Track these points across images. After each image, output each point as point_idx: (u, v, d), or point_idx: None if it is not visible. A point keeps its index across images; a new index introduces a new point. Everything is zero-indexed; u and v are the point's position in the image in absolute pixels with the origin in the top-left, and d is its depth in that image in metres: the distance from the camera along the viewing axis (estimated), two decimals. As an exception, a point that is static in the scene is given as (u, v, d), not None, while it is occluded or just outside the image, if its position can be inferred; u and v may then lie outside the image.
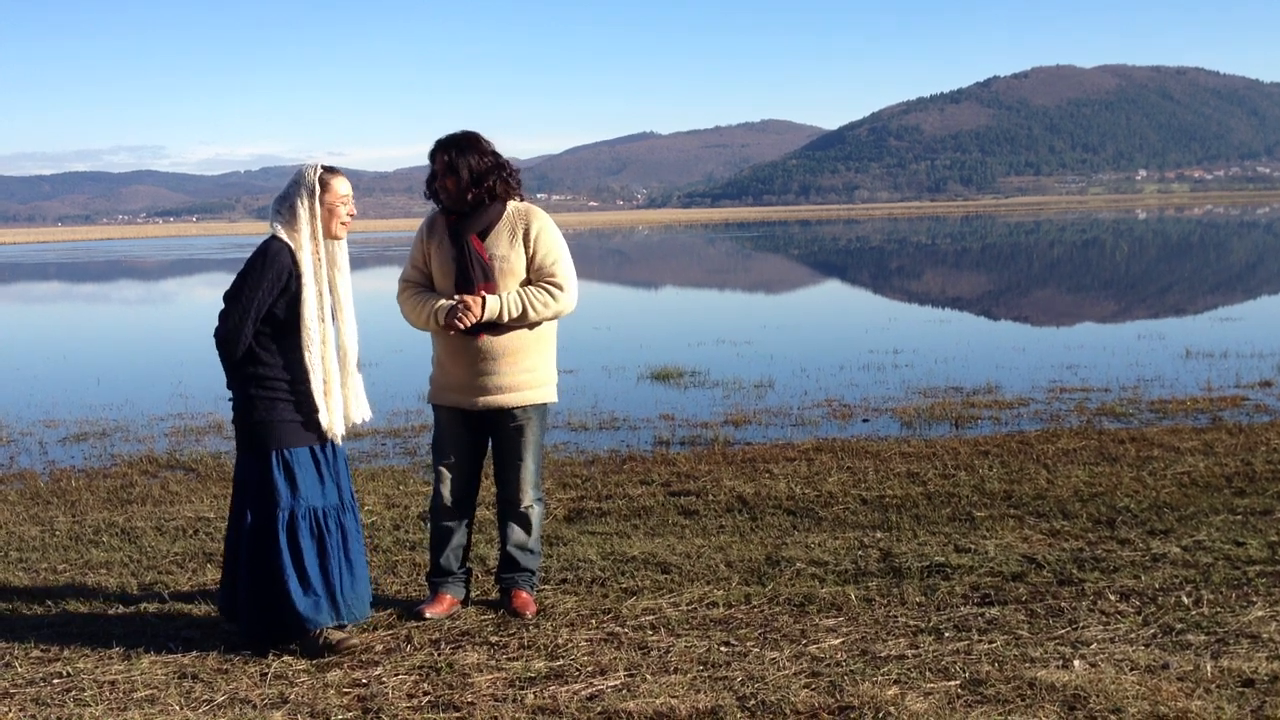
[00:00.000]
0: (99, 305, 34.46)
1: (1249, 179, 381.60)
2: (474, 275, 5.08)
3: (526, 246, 5.17)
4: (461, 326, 5.05)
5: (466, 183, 5.11)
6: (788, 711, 4.05)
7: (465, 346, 5.14)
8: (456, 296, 5.07)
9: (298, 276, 4.78)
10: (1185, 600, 5.13)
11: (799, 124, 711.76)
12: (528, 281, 5.18)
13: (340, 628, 4.90)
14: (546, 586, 5.69)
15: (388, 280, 35.54)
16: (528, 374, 5.21)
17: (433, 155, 5.17)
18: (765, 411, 11.66)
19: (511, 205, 5.23)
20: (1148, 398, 11.69)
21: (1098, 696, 4.02)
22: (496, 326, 5.11)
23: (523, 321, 5.14)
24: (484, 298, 5.06)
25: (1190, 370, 13.57)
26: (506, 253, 5.14)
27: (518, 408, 5.23)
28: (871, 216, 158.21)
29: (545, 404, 5.33)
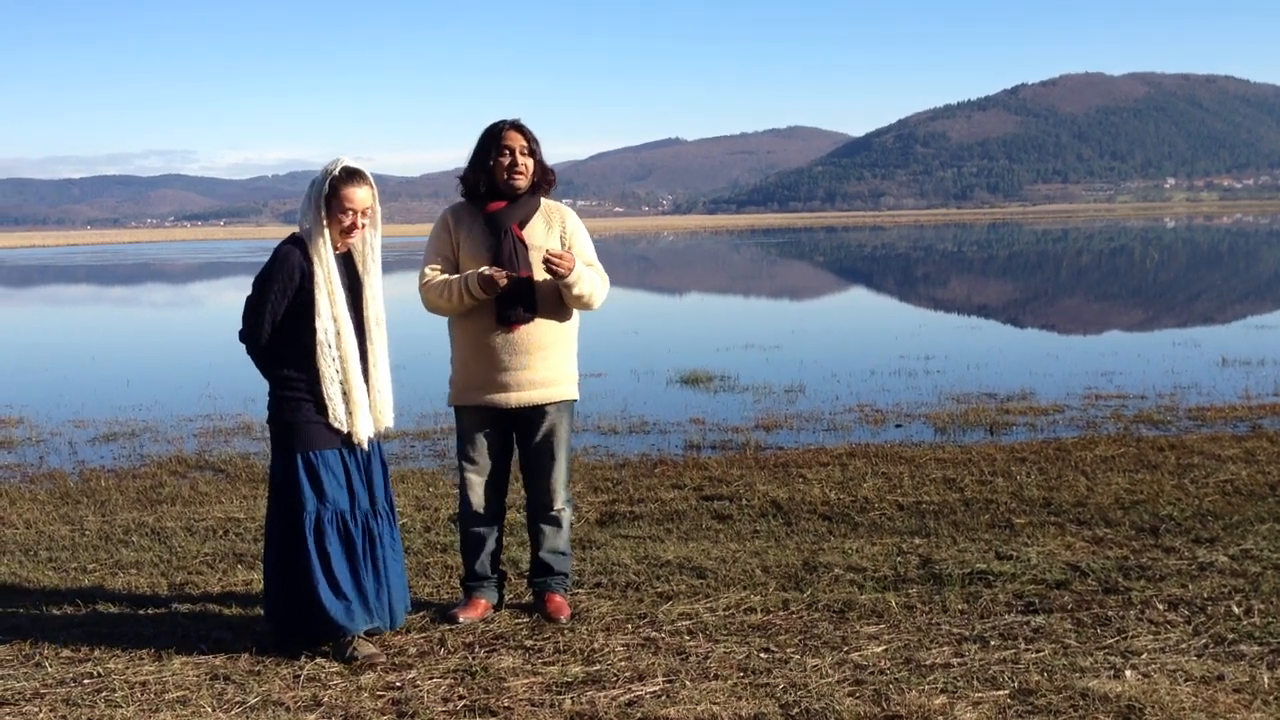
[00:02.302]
0: (128, 308, 34.60)
1: (1278, 187, 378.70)
2: (516, 263, 4.99)
3: (563, 241, 5.14)
4: (563, 270, 4.91)
5: (539, 167, 5.09)
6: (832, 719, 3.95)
7: (494, 342, 5.04)
8: (547, 251, 4.94)
9: (310, 276, 4.67)
10: (1235, 610, 5.00)
11: (825, 130, 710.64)
12: None
13: (373, 633, 4.82)
14: (580, 591, 5.61)
15: (411, 285, 35.56)
16: (556, 369, 5.14)
17: (503, 133, 5.03)
18: (796, 416, 11.55)
19: (543, 199, 5.20)
20: (1185, 405, 11.53)
21: (1153, 708, 3.91)
22: (533, 310, 5.02)
23: (585, 293, 5.05)
24: (572, 255, 4.99)
25: (1227, 378, 13.39)
26: (544, 243, 5.09)
27: (550, 404, 5.14)
28: (898, 223, 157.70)
29: (574, 401, 5.27)
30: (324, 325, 4.69)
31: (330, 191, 4.70)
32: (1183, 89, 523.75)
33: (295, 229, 4.87)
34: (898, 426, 10.93)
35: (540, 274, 5.02)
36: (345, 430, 4.75)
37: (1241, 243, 62.52)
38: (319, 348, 4.69)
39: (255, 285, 4.74)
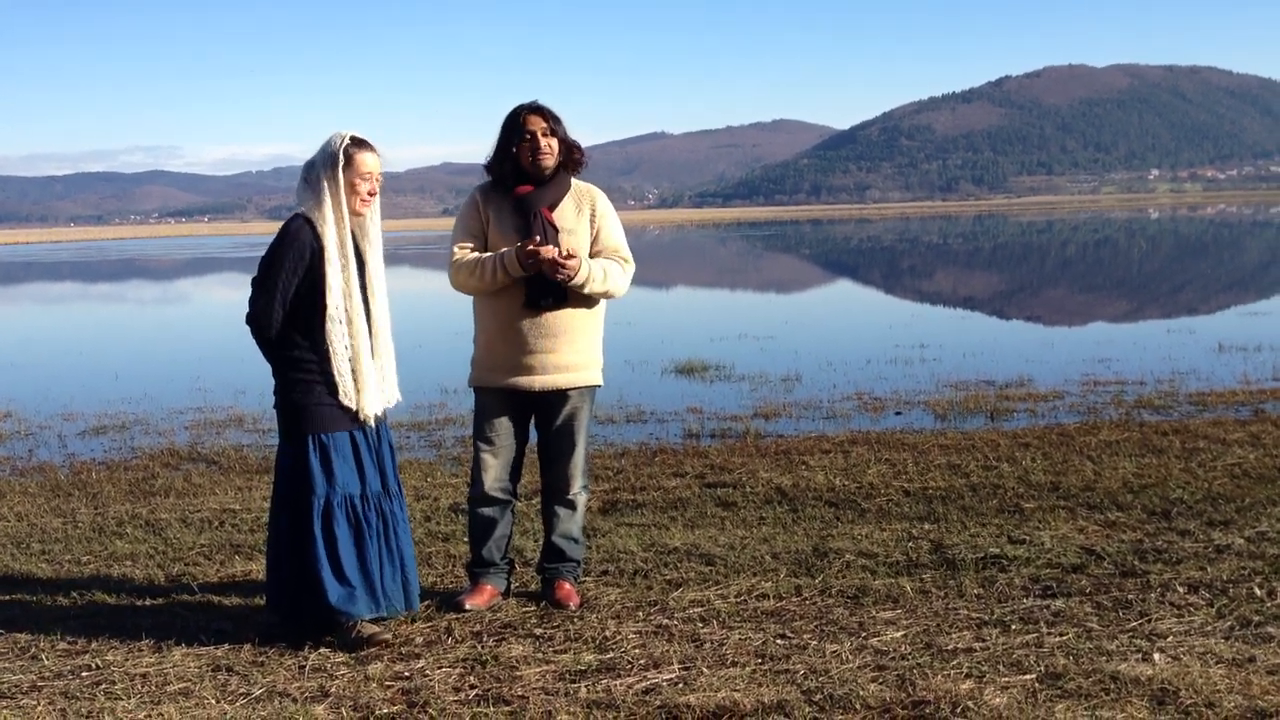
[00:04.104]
0: (114, 304, 34.35)
1: (1262, 178, 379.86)
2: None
3: (592, 223, 5.05)
4: (567, 274, 4.82)
5: (565, 150, 4.99)
6: (858, 706, 3.84)
7: (521, 324, 4.94)
8: (545, 250, 4.83)
9: (320, 252, 4.56)
10: (1258, 592, 4.91)
11: (810, 124, 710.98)
12: (594, 256, 5.06)
13: (378, 620, 4.70)
14: (588, 579, 5.50)
15: (400, 279, 35.37)
16: (583, 354, 5.04)
17: (523, 117, 4.94)
18: (795, 404, 11.45)
19: (574, 181, 5.10)
20: (1185, 390, 11.45)
21: (1187, 690, 3.81)
22: (564, 299, 4.92)
23: (599, 290, 4.97)
24: (578, 258, 4.87)
25: (1225, 363, 13.33)
26: (574, 226, 5.01)
27: (573, 389, 5.04)
28: (884, 216, 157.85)
29: (597, 386, 5.16)
30: (335, 301, 4.58)
31: (345, 161, 4.60)
32: (1166, 80, 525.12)
33: (281, 222, 4.76)
34: (897, 414, 10.84)
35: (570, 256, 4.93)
36: (354, 407, 4.64)
37: (1226, 233, 62.63)
38: (329, 324, 4.58)
39: (263, 265, 4.62)
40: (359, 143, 4.66)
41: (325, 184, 4.59)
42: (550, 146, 4.96)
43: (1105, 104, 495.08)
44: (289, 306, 4.60)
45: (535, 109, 4.98)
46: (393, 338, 4.91)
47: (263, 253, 4.68)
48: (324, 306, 4.58)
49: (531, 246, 4.78)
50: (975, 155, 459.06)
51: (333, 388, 4.62)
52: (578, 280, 4.88)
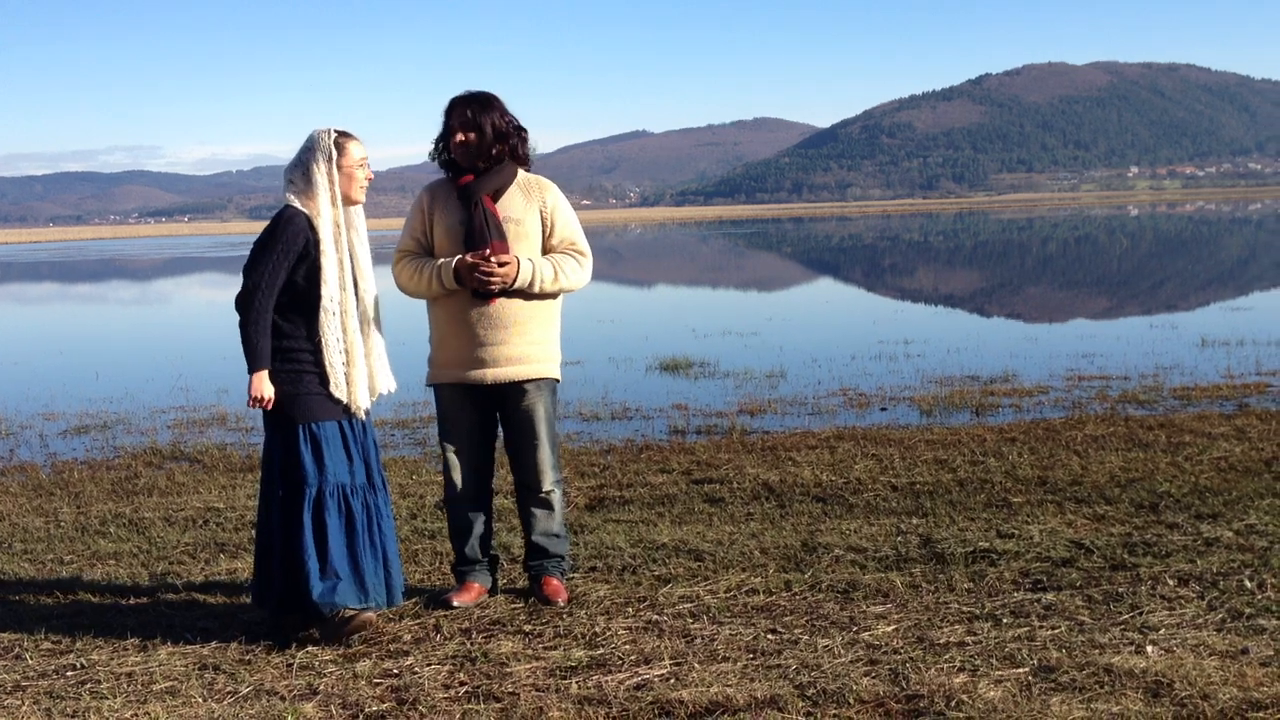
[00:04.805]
0: (94, 304, 34.16)
1: (1240, 175, 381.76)
2: (487, 236, 4.85)
3: (543, 216, 5.01)
4: (494, 287, 4.81)
5: (490, 139, 4.92)
6: (851, 700, 3.82)
7: (471, 317, 4.90)
8: (473, 255, 4.82)
9: (316, 244, 4.58)
10: (1248, 584, 4.91)
11: (792, 122, 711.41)
12: (545, 251, 5.04)
13: (363, 610, 4.67)
14: (576, 575, 5.47)
15: (383, 278, 35.27)
16: (536, 345, 4.99)
17: (450, 111, 4.94)
18: (780, 401, 11.44)
19: (522, 172, 5.07)
20: (1169, 385, 11.48)
21: (1182, 682, 3.80)
22: (512, 293, 4.89)
23: (551, 289, 4.95)
24: (517, 259, 4.85)
25: (1208, 358, 13.36)
26: (521, 216, 4.96)
27: (528, 381, 4.98)
28: (865, 214, 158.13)
29: (555, 380, 5.10)
30: (330, 292, 4.61)
31: (338, 151, 4.65)
32: (1145, 78, 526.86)
33: (263, 222, 4.76)
34: (883, 410, 10.84)
35: (517, 249, 4.91)
36: (344, 399, 4.65)
37: (1206, 230, 62.92)
38: (324, 315, 4.60)
39: (255, 249, 4.61)
40: (345, 134, 4.71)
41: (319, 177, 4.60)
42: (467, 142, 4.90)
43: (1085, 101, 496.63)
44: (284, 296, 4.58)
45: (462, 100, 4.94)
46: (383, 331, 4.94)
47: (253, 246, 4.66)
48: (319, 297, 4.57)
49: (470, 259, 4.80)
50: (956, 153, 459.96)
51: (324, 379, 4.61)
52: (519, 283, 4.86)
